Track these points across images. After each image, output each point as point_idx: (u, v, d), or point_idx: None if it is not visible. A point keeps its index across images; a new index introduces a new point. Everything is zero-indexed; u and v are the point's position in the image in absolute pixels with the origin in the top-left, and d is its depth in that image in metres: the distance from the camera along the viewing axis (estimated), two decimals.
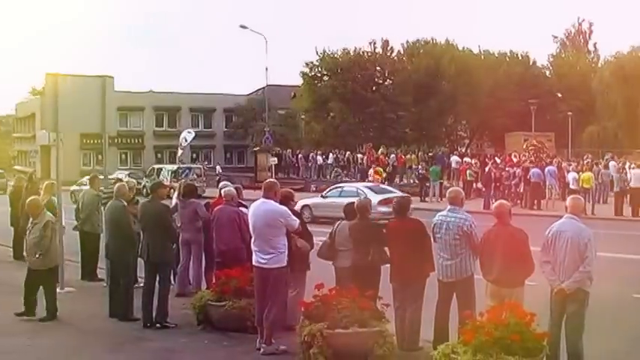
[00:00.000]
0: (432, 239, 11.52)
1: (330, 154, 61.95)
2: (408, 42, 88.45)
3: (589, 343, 10.39)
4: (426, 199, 43.67)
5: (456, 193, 11.89)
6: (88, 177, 22.87)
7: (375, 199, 28.62)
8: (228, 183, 17.47)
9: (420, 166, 48.50)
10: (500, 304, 9.70)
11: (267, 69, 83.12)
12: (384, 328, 10.96)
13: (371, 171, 49.94)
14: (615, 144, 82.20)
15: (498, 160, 49.66)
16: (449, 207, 11.50)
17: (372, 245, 11.96)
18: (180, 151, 61.40)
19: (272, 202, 11.52)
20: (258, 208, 11.59)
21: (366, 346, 10.68)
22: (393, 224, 11.95)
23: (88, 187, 20.50)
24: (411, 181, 53.29)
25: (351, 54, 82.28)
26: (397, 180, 54.89)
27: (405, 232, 11.66)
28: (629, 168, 40.90)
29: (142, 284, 14.30)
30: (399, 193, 27.58)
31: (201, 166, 64.57)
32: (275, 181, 12.72)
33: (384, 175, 49.75)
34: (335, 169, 57.22)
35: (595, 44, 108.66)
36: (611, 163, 43.74)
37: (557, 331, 10.28)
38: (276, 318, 11.49)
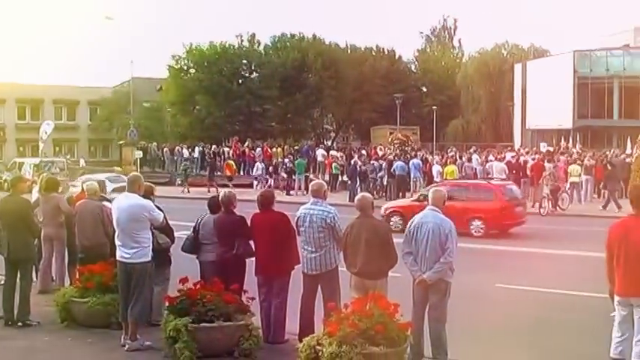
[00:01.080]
0: (296, 232, 11.58)
1: (197, 148, 61.46)
2: (275, 36, 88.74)
3: (452, 331, 10.66)
4: (291, 192, 43.85)
5: (319, 186, 11.95)
6: None
7: (110, 187, 28.15)
8: (92, 177, 17.13)
9: (286, 160, 48.62)
10: (364, 296, 9.83)
11: (132, 62, 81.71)
12: (249, 321, 10.97)
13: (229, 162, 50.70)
14: (479, 137, 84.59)
15: (364, 154, 50.34)
16: (312, 200, 11.58)
17: (236, 238, 11.95)
18: (41, 145, 59.80)
19: (136, 196, 11.35)
20: (121, 202, 11.41)
21: (232, 339, 10.66)
22: (257, 217, 11.92)
23: None
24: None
25: (218, 47, 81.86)
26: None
27: (269, 225, 11.65)
28: (492, 161, 42.19)
29: (2, 282, 13.89)
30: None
31: (64, 159, 63.01)
32: (139, 175, 12.51)
33: (234, 167, 50.45)
34: (184, 162, 56.70)
35: (460, 40, 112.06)
36: (475, 157, 44.93)
37: (421, 321, 10.50)
38: (140, 313, 11.32)
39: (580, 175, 38.19)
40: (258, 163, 49.66)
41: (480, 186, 28.95)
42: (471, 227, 25.99)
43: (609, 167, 37.80)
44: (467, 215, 25.72)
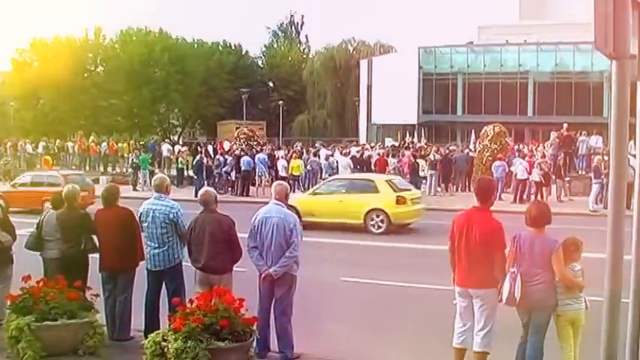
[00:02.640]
0: (140, 228, 11.53)
1: (40, 143, 59.91)
2: (121, 30, 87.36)
3: (300, 324, 10.83)
4: (137, 187, 43.29)
5: (161, 180, 11.94)
6: None
7: None
8: None
9: (132, 155, 47.91)
10: (209, 291, 9.87)
11: None
12: (93, 318, 10.83)
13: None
14: (325, 132, 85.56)
15: (210, 149, 50.16)
16: (155, 195, 11.57)
17: (81, 234, 11.77)
18: None
19: None
20: None
21: (76, 337, 10.48)
22: (101, 213, 11.77)
23: None
24: (124, 169, 52.78)
25: (63, 40, 79.99)
26: (109, 169, 54.40)
27: (114, 221, 11.52)
28: (337, 156, 42.77)
29: None
30: None
31: None
32: None
33: (51, 162, 49.70)
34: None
35: (307, 36, 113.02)
36: (322, 151, 45.40)
37: (267, 315, 10.63)
38: None
39: (424, 169, 39.13)
40: None
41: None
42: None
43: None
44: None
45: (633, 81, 6.88)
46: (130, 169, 47.36)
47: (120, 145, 57.98)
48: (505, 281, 9.10)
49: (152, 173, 41.32)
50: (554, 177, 35.43)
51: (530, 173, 34.57)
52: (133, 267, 11.61)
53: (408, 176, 37.57)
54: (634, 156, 7.39)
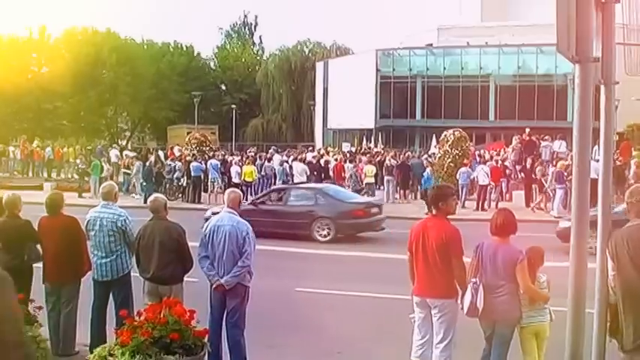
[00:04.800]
0: (87, 236, 11.41)
1: None
2: (66, 29, 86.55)
3: (249, 335, 10.77)
4: (86, 194, 42.88)
5: (110, 187, 11.85)
6: None
7: None
8: None
9: (78, 160, 47.47)
10: (158, 303, 9.78)
11: None
12: (36, 332, 10.65)
13: None
14: (280, 137, 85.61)
15: (161, 154, 49.89)
16: (102, 202, 11.46)
17: (24, 244, 11.62)
18: None
19: None
20: None
21: None
22: (45, 221, 11.63)
23: None
24: (69, 175, 52.24)
25: (5, 39, 79.19)
26: (54, 175, 53.84)
27: (58, 230, 11.36)
28: (292, 161, 42.74)
29: None
30: None
31: None
32: None
33: None
34: None
35: (260, 37, 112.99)
36: (275, 157, 45.35)
37: (219, 328, 10.57)
38: None
39: (371, 175, 39.26)
40: None
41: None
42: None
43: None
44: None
45: (597, 84, 6.92)
46: (75, 175, 46.89)
47: (65, 150, 57.45)
48: (467, 291, 9.11)
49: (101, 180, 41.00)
50: (512, 182, 35.77)
51: (494, 179, 34.92)
52: (78, 278, 11.49)
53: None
54: (597, 161, 7.40)
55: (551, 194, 32.63)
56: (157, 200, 11.22)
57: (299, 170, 39.31)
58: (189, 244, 10.86)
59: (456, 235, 9.26)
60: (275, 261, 20.12)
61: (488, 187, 35.29)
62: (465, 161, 37.72)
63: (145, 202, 33.54)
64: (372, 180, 39.20)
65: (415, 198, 40.05)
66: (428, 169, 37.52)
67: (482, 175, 35.31)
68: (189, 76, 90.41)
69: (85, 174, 43.86)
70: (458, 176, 36.08)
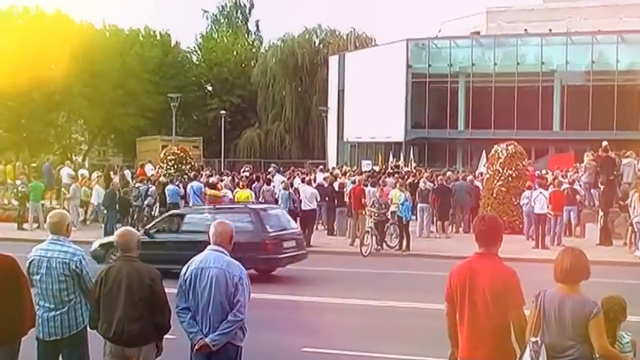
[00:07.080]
0: (29, 283, 11.31)
1: None
2: (1, 10, 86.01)
3: None
4: (25, 225, 42.86)
5: (60, 217, 11.67)
6: None
7: None
8: None
9: (19, 181, 47.59)
10: None
11: None
12: None
13: None
14: (282, 152, 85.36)
15: (128, 173, 49.98)
16: (51, 237, 11.33)
17: None
18: None
19: None
20: None
21: None
22: None
23: None
24: (6, 201, 52.17)
25: None
26: None
27: None
28: (300, 184, 42.58)
29: None
30: None
31: None
32: None
33: None
34: None
35: (257, 23, 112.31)
36: (277, 177, 45.28)
37: None
38: None
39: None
40: None
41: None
42: None
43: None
44: None
45: None
46: (14, 201, 46.97)
47: (1, 167, 57.43)
48: (525, 354, 8.99)
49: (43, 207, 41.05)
50: (586, 211, 35.64)
51: (555, 208, 34.67)
52: (17, 337, 11.28)
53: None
54: None
55: (636, 228, 32.24)
56: (129, 234, 11.06)
57: (307, 195, 38.96)
58: (167, 291, 10.68)
59: (514, 280, 9.07)
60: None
61: (548, 218, 35.10)
62: (529, 184, 37.46)
63: (106, 234, 33.71)
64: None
65: (457, 231, 39.96)
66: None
67: (540, 201, 35.07)
68: (165, 74, 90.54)
69: (27, 199, 43.90)
70: (522, 201, 36.00)
